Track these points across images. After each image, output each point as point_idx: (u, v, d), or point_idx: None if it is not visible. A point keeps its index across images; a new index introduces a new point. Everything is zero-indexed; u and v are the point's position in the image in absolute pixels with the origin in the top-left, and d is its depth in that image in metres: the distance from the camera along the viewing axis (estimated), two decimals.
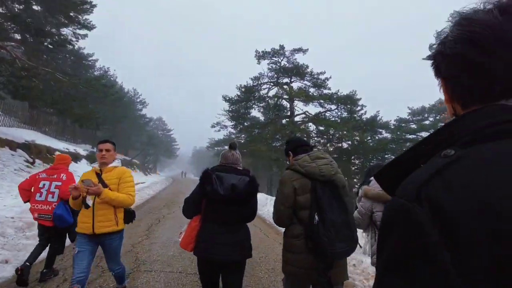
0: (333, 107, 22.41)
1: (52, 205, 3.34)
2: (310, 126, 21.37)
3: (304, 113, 21.51)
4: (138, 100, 37.17)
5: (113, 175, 2.75)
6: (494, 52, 0.40)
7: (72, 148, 17.31)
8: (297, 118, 22.21)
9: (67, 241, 3.78)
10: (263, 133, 22.08)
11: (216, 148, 44.88)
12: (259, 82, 21.77)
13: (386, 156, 24.25)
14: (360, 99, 21.01)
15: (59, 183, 3.43)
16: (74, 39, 14.19)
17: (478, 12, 0.43)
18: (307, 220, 1.81)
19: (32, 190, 3.45)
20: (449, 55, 0.45)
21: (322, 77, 20.90)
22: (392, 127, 24.84)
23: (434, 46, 0.50)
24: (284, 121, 23.45)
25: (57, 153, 14.87)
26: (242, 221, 2.19)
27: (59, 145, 16.38)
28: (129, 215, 2.90)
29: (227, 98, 21.10)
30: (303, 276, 1.86)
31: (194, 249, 2.11)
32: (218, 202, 2.03)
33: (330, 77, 20.83)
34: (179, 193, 16.70)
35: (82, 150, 18.65)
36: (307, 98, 19.72)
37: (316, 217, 1.75)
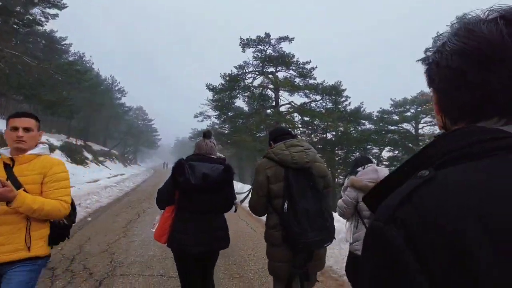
0: (318, 97, 22.33)
1: None
2: (296, 116, 21.19)
3: (289, 103, 21.26)
4: (116, 88, 35.43)
5: (33, 169, 1.68)
6: (492, 71, 0.37)
7: (44, 138, 16.13)
8: (282, 109, 21.97)
9: None
10: (247, 123, 21.68)
11: (198, 138, 44.06)
12: (244, 71, 21.19)
13: (368, 147, 24.68)
14: (345, 90, 21.06)
15: None
16: (43, 19, 12.97)
17: (481, 22, 0.39)
18: (281, 210, 1.76)
19: None
20: (444, 67, 0.43)
21: (308, 66, 20.63)
22: (375, 118, 25.21)
23: (430, 51, 0.47)
24: (269, 111, 23.15)
25: None
26: (216, 210, 2.14)
27: None
28: (60, 232, 1.83)
29: (211, 87, 20.37)
30: (282, 270, 1.80)
31: (168, 240, 2.06)
32: (191, 192, 1.99)
33: (316, 67, 20.62)
34: (160, 185, 16.09)
35: (56, 140, 17.54)
36: (293, 88, 19.43)
37: (286, 205, 1.70)
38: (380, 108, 25.51)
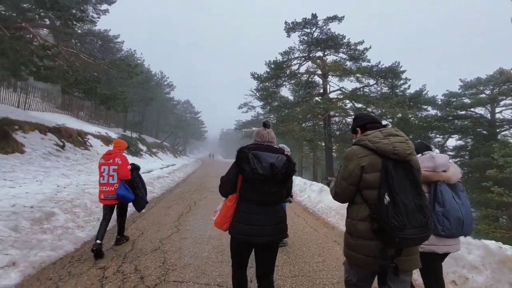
0: (372, 81, 20.26)
1: (114, 186, 3.89)
2: (348, 103, 19.40)
3: (339, 89, 19.63)
4: (165, 83, 37.01)
5: None
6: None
7: (103, 131, 17.37)
8: (331, 96, 20.43)
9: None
10: (293, 112, 20.63)
11: (243, 130, 44.29)
12: (289, 57, 20.04)
13: (431, 135, 21.86)
14: (404, 71, 18.59)
15: (116, 167, 3.90)
16: (95, 15, 13.61)
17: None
18: (375, 201, 1.60)
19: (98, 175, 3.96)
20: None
21: (360, 47, 18.68)
22: (440, 102, 22.11)
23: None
24: (316, 99, 21.81)
25: (89, 136, 14.90)
26: (278, 202, 2.12)
27: (91, 128, 16.43)
28: None
29: (256, 76, 19.72)
30: (367, 263, 1.65)
31: (230, 228, 2.07)
32: (256, 182, 1.91)
33: (370, 47, 18.55)
34: (208, 177, 16.21)
35: (113, 133, 18.74)
36: (344, 73, 17.74)
37: (387, 197, 1.53)
38: (447, 90, 22.23)
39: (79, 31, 19.79)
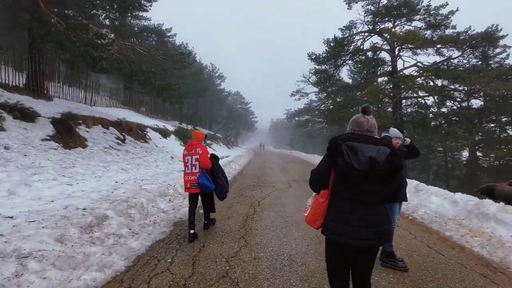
0: (456, 53, 16.65)
1: (196, 175, 4.03)
2: (424, 80, 16.01)
3: (415, 64, 16.53)
4: (216, 75, 37.17)
5: None
6: None
7: (161, 124, 17.62)
8: (404, 72, 17.43)
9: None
10: (354, 96, 18.25)
11: (296, 119, 42.48)
12: (351, 33, 17.60)
13: None
14: (504, 36, 14.67)
15: (197, 156, 4.05)
16: (147, 3, 13.42)
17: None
18: None
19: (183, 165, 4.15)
20: None
21: (443, 11, 15.32)
22: None
23: None
24: (382, 79, 19.00)
25: (148, 129, 15.14)
26: (381, 202, 1.74)
27: (150, 122, 16.73)
28: None
29: (313, 56, 17.78)
30: None
31: (323, 227, 1.80)
32: (351, 178, 1.60)
33: (457, 10, 15.07)
34: (265, 168, 15.22)
35: (170, 126, 18.99)
36: (422, 43, 14.67)
37: None
38: None
39: (136, 28, 20.48)
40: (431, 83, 14.89)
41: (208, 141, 26.04)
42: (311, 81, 22.45)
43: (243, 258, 3.40)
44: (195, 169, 4.06)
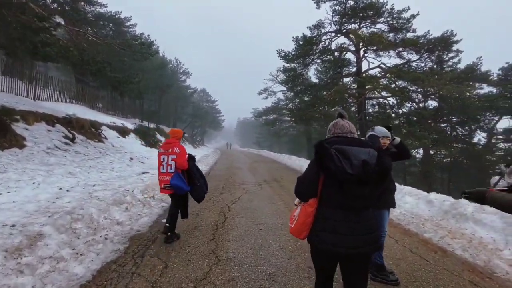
0: (415, 57, 17.59)
1: (171, 176, 3.83)
2: (387, 82, 16.62)
3: (379, 66, 17.15)
4: (181, 70, 35.54)
5: None
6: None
7: (119, 122, 16.12)
8: (365, 75, 18.01)
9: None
10: (321, 95, 18.43)
11: (263, 118, 42.42)
12: (319, 32, 17.72)
13: (490, 117, 19.01)
14: (458, 41, 15.75)
15: (174, 156, 3.88)
16: None
17: None
18: None
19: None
20: None
21: (405, 15, 16.02)
22: (496, 79, 19.10)
23: None
24: (347, 79, 19.48)
25: (104, 127, 13.69)
26: (370, 206, 1.66)
27: (106, 119, 15.19)
28: None
29: (283, 54, 17.58)
30: None
31: (310, 237, 1.69)
32: (344, 183, 1.53)
33: (418, 14, 15.85)
34: (233, 168, 14.66)
35: (130, 124, 17.50)
36: (385, 46, 15.20)
37: None
38: (507, 63, 19.07)
39: (90, 15, 18.53)
40: (393, 84, 15.52)
41: None
42: (279, 79, 22.45)
43: (215, 281, 2.85)
44: (171, 169, 3.86)
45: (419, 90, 16.57)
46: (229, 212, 5.60)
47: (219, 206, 6.06)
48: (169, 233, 3.88)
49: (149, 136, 17.95)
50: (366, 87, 15.69)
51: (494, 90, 18.36)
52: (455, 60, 18.11)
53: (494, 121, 21.09)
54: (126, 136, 15.29)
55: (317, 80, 23.15)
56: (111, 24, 19.45)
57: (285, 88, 23.09)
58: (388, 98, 18.20)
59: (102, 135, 12.22)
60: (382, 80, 17.17)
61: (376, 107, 20.16)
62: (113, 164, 9.08)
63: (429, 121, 17.48)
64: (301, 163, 14.72)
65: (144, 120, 23.49)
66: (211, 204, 6.29)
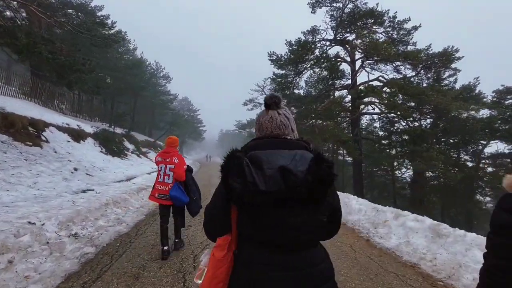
0: (411, 72, 16.46)
1: (169, 186, 3.70)
2: (389, 95, 15.18)
3: (376, 79, 15.74)
4: (161, 74, 33.03)
5: None
6: None
7: (74, 123, 13.36)
8: (361, 88, 16.62)
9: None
10: (317, 107, 16.70)
11: (247, 130, 40.49)
12: (314, 39, 16.18)
13: (481, 140, 18.14)
14: (460, 58, 14.66)
15: (172, 166, 3.73)
16: None
17: None
18: None
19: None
20: None
21: (407, 26, 14.87)
22: (489, 101, 18.35)
23: None
24: (339, 93, 18.03)
25: (51, 129, 10.96)
26: (311, 243, 1.07)
27: (58, 119, 12.43)
28: None
29: (274, 57, 15.77)
30: None
31: None
32: (259, 207, 0.98)
33: (420, 26, 14.74)
34: (211, 186, 12.30)
35: (90, 127, 14.72)
36: (390, 55, 13.70)
37: None
38: (503, 85, 18.37)
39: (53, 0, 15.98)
40: (395, 98, 14.10)
41: (145, 149, 21.91)
42: (266, 91, 20.80)
43: None
44: (168, 179, 3.72)
45: (418, 107, 15.28)
46: (200, 253, 3.35)
47: (190, 248, 3.77)
48: (175, 240, 3.91)
49: (113, 143, 15.24)
50: (365, 100, 14.12)
51: (488, 113, 17.56)
52: (451, 79, 17.22)
53: (483, 145, 20.44)
54: (82, 141, 12.57)
55: (305, 93, 21.74)
56: (80, 14, 16.90)
57: None
58: (384, 115, 16.82)
59: (43, 138, 9.54)
60: (374, 97, 15.77)
61: (377, 122, 18.73)
62: (38, 177, 6.49)
63: (434, 140, 16.21)
64: None
65: (114, 125, 20.61)
66: (174, 254, 3.97)
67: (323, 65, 15.84)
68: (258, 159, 1.01)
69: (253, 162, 1.00)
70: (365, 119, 19.01)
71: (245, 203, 0.99)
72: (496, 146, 20.74)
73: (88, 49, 18.76)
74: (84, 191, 6.70)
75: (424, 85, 16.81)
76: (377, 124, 18.72)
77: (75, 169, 8.41)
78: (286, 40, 15.65)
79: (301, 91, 20.55)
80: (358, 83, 16.90)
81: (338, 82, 18.47)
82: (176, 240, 3.90)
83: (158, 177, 3.76)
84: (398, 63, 15.82)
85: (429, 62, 15.36)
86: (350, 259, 4.00)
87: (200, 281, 1.18)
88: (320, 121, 14.76)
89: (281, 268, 1.00)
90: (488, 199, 22.07)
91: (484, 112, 17.92)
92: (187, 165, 3.93)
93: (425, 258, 3.96)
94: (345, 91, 17.47)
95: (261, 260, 1.02)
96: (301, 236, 1.02)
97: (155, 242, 4.26)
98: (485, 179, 21.16)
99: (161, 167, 3.75)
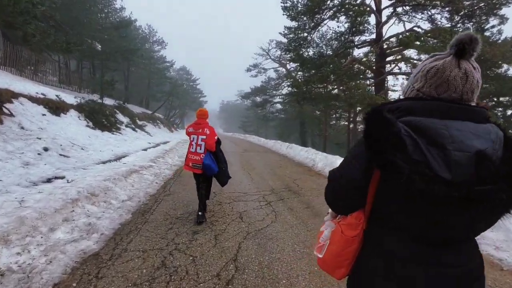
0: (446, 24, 13.80)
1: (201, 156, 3.85)
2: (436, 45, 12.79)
3: (410, 29, 13.09)
4: (154, 39, 29.90)
5: None
6: None
7: (53, 93, 11.26)
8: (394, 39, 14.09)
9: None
10: (334, 66, 14.24)
11: (249, 99, 38.03)
12: None
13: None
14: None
15: (204, 137, 3.88)
16: None
17: None
18: None
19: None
20: None
21: None
22: None
23: None
24: (359, 53, 15.50)
25: (21, 99, 8.90)
26: (472, 236, 0.84)
27: (32, 89, 10.35)
28: None
29: (288, 4, 13.08)
30: None
31: (352, 282, 0.92)
32: (426, 198, 0.68)
33: None
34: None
35: (72, 98, 12.60)
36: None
37: None
38: None
39: None
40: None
41: (141, 122, 19.92)
42: (271, 55, 18.32)
43: None
44: (200, 149, 3.87)
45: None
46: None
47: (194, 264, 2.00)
48: (199, 213, 3.89)
49: (102, 116, 13.25)
50: (393, 57, 11.71)
51: None
52: (494, 30, 14.55)
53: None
54: (62, 114, 10.61)
55: (318, 54, 19.03)
56: None
57: (277, 65, 18.92)
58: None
59: (7, 111, 7.57)
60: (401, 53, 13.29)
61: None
62: None
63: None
64: (311, 156, 10.79)
65: (104, 95, 18.40)
66: (177, 252, 2.20)
67: (349, 13, 13.06)
68: (435, 132, 0.69)
69: (422, 134, 0.69)
70: (389, 83, 16.59)
71: (409, 190, 0.67)
72: None
73: (66, 7, 16.11)
74: (49, 180, 4.87)
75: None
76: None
77: (45, 149, 6.53)
78: None
79: (311, 52, 17.95)
80: (384, 37, 14.37)
81: (357, 39, 15.85)
82: (200, 213, 3.88)
83: (190, 147, 3.92)
84: (434, 10, 13.16)
85: (475, 8, 12.70)
86: None
87: (321, 255, 0.97)
88: (344, 83, 12.48)
89: (433, 263, 0.75)
90: None
91: None
92: (217, 137, 4.00)
93: None
94: (364, 49, 14.98)
95: (407, 252, 0.76)
96: (469, 230, 0.78)
97: (142, 273, 2.45)
98: None
99: (193, 138, 3.91)
